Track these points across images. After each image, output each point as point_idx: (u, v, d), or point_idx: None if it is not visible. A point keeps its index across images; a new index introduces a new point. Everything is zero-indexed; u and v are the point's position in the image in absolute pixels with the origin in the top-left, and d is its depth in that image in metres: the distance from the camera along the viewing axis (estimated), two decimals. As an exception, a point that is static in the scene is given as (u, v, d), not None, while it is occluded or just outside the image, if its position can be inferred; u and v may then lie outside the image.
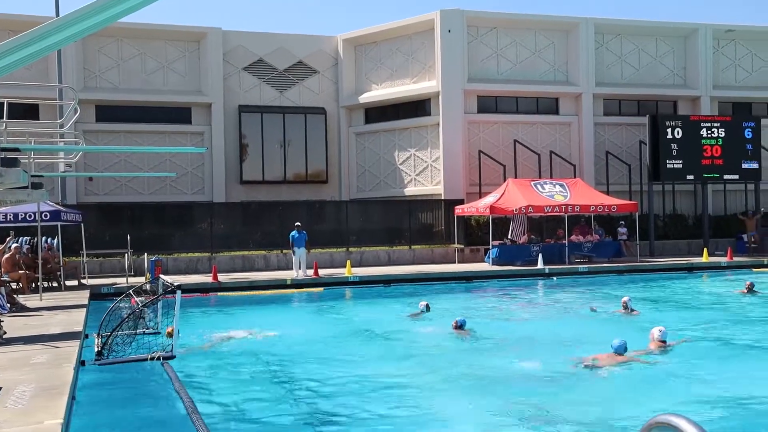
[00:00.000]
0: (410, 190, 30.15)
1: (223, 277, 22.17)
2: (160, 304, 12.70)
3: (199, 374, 10.56)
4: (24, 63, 5.55)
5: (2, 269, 17.35)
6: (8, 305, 13.74)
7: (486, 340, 12.89)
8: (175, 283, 12.15)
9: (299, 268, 22.41)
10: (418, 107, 30.24)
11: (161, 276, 15.50)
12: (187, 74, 29.74)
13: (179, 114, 29.57)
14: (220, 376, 10.55)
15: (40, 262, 17.91)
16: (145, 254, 22.34)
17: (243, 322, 15.65)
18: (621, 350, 10.50)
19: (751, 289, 18.27)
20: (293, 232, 22.53)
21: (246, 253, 25.55)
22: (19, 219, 19.05)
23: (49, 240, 20.64)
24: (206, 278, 22.11)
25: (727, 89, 32.10)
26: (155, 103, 29.17)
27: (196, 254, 25.16)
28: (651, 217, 28.92)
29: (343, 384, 9.89)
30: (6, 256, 17.86)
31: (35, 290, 17.92)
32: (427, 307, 15.61)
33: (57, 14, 22.97)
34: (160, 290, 12.88)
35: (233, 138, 30.02)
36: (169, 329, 11.92)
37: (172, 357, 10.90)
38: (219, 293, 20.78)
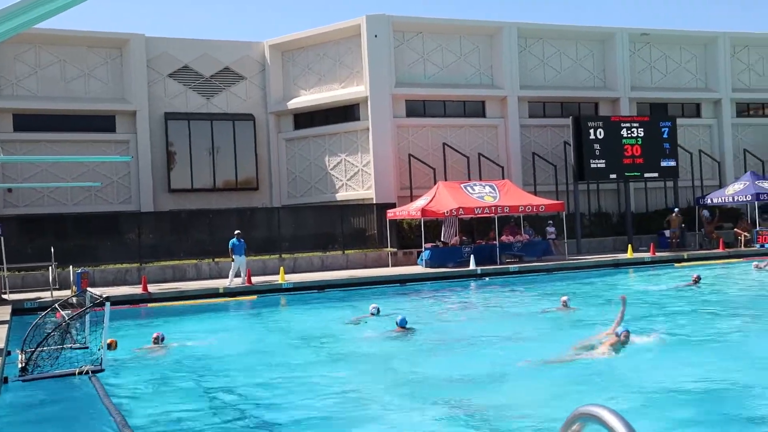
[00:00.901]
0: (342, 195, 30.06)
1: (153, 288, 21.59)
2: (87, 317, 12.26)
3: (130, 387, 10.22)
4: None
5: None
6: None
7: (426, 340, 12.90)
8: (104, 296, 11.76)
9: (237, 276, 21.95)
10: (347, 112, 30.19)
11: (88, 288, 15.00)
12: (110, 81, 28.90)
13: (103, 122, 28.69)
14: (151, 388, 10.23)
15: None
16: (71, 267, 21.55)
17: (174, 332, 15.24)
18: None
19: (697, 282, 18.93)
20: (233, 240, 22.08)
21: (176, 262, 24.96)
22: (-67, 234, 18.10)
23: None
24: (136, 289, 21.51)
25: (645, 90, 33.20)
26: (77, 112, 28.22)
27: (125, 265, 24.44)
28: (577, 215, 29.62)
29: (279, 392, 9.73)
30: None
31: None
32: (378, 310, 15.43)
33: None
34: (88, 303, 12.42)
35: (160, 146, 29.31)
36: (110, 341, 11.61)
37: (101, 370, 10.52)
38: (149, 304, 20.23)
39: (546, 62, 32.10)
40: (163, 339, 12.84)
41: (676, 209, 29.84)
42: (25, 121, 27.65)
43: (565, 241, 27.38)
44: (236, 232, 22.38)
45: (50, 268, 21.17)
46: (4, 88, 27.44)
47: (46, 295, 20.13)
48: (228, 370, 11.18)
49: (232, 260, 22.05)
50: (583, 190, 30.82)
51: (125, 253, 24.83)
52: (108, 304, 11.34)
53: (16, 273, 22.46)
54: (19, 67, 27.71)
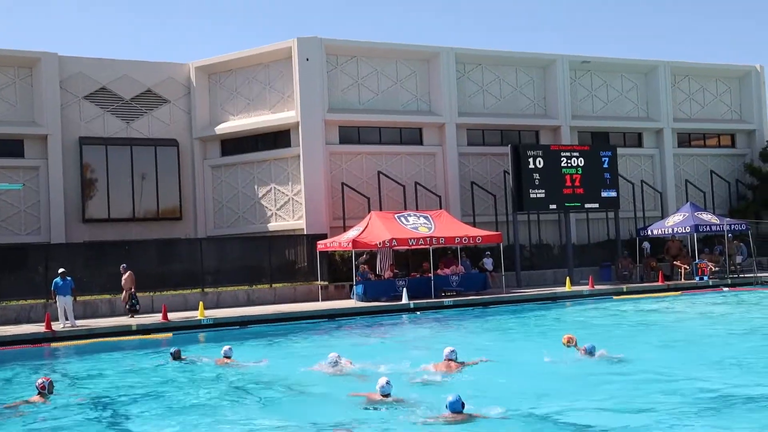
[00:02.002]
0: (271, 226, 29.74)
1: (59, 326, 20.85)
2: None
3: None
4: None
5: None
6: None
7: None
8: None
9: (66, 319, 21.18)
10: (277, 138, 30.00)
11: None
12: (19, 103, 28.15)
13: (10, 147, 27.85)
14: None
15: None
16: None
17: (73, 376, 14.72)
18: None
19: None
20: (56, 279, 21.28)
21: (88, 297, 24.17)
22: None
23: None
24: (40, 327, 20.75)
25: (586, 119, 33.92)
26: (-20, 135, 27.38)
27: (29, 301, 23.60)
28: (517, 247, 29.86)
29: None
30: None
31: None
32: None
33: None
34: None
35: (74, 173, 28.58)
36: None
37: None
38: (52, 344, 19.52)
39: (485, 89, 32.55)
40: (51, 386, 11.46)
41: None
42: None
43: (503, 273, 27.53)
44: (60, 270, 21.49)
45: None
46: None
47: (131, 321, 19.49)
48: (125, 418, 10.73)
49: (55, 302, 21.28)
50: (523, 221, 31.13)
51: (31, 288, 23.99)
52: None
53: None
54: None
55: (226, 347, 14.61)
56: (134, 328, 21.12)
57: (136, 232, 28.88)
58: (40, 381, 11.45)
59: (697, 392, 10.66)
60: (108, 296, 24.61)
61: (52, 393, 11.40)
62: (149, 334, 20.73)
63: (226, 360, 14.33)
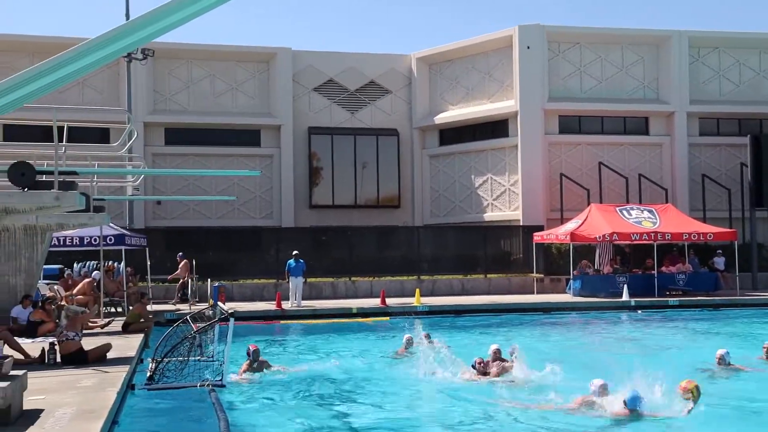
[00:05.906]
0: (487, 216, 30.02)
1: (288, 305, 22.58)
2: (216, 331, 13.03)
3: (247, 405, 10.80)
4: (55, 86, 5.98)
5: (77, 293, 18.24)
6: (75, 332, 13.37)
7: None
8: (230, 311, 12.58)
9: (295, 299, 22.54)
10: (495, 128, 30.17)
11: (218, 303, 16.00)
12: (257, 96, 30.66)
13: (248, 136, 30.47)
14: (268, 407, 10.73)
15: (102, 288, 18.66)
16: (209, 280, 23.01)
17: (303, 352, 15.93)
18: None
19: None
20: (290, 261, 22.74)
21: (313, 280, 25.85)
22: (84, 243, 19.96)
23: (128, 267, 21.58)
24: (271, 305, 22.55)
25: (841, 106, 30.65)
26: (224, 126, 30.15)
27: (262, 281, 25.70)
28: (753, 245, 27.82)
29: (393, 417, 9.94)
30: (87, 280, 18.88)
31: (97, 315, 18.56)
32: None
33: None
34: (217, 317, 13.21)
35: (303, 161, 30.68)
36: None
37: (222, 386, 11.23)
38: (282, 321, 21.19)
39: (722, 74, 30.52)
40: (256, 354, 12.75)
41: None
42: (175, 135, 29.88)
43: (737, 274, 25.75)
44: (294, 252, 22.91)
45: (190, 280, 22.77)
46: (159, 103, 29.83)
47: (184, 307, 21.60)
48: (347, 393, 11.52)
49: (287, 282, 22.76)
50: (762, 218, 28.94)
51: (263, 269, 26.08)
52: (232, 320, 12.11)
53: (160, 284, 24.23)
54: (173, 82, 30.04)
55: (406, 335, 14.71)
56: (354, 310, 22.31)
57: (357, 219, 30.41)
58: (249, 348, 13.00)
59: None
60: (331, 279, 26.20)
61: (257, 360, 12.71)
62: (368, 317, 21.80)
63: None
